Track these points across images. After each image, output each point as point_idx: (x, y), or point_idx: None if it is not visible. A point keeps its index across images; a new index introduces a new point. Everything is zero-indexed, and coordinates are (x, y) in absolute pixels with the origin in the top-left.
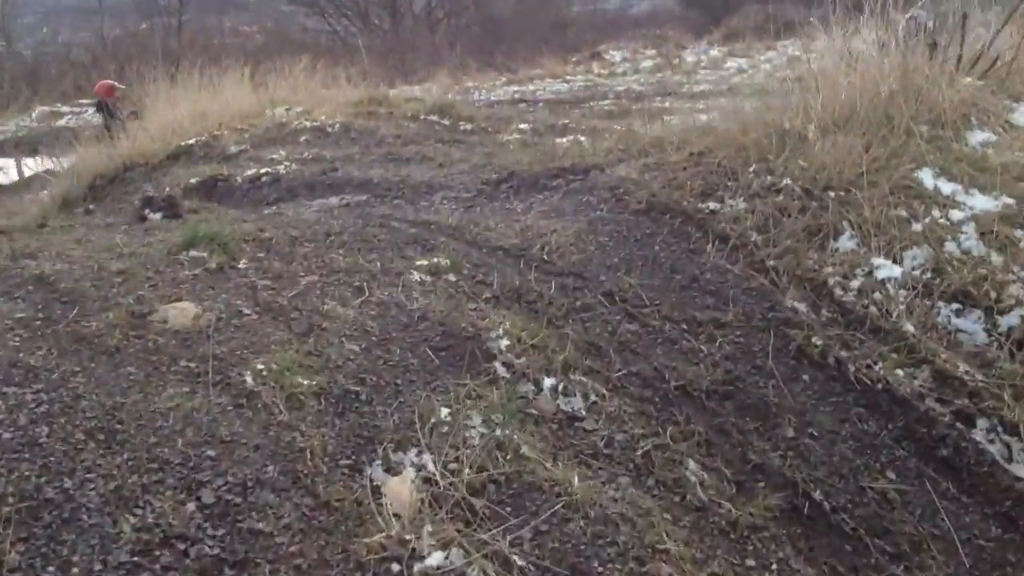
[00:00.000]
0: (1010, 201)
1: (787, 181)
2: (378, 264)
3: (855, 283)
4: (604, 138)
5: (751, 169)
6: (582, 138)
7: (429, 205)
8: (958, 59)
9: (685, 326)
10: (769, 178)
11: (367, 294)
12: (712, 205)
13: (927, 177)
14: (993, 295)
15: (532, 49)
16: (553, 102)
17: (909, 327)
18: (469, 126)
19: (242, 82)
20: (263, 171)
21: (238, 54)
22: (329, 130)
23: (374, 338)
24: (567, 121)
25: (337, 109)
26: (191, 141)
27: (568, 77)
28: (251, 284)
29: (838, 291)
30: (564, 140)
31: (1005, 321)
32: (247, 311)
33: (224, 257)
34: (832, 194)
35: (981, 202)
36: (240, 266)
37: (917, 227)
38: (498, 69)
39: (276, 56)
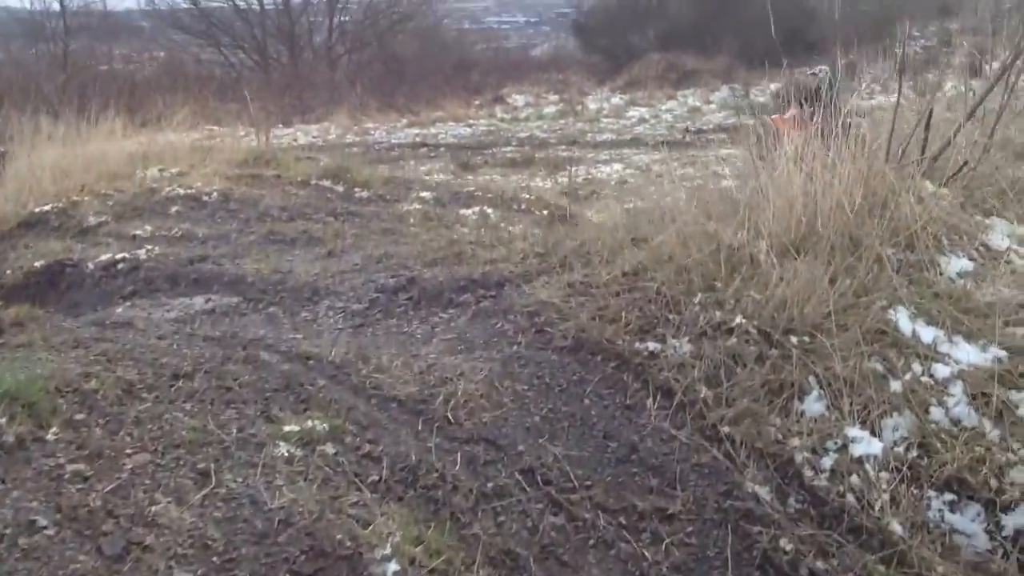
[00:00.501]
0: (1001, 353)
1: (740, 319)
2: (234, 430)
3: (827, 460)
4: (517, 223)
5: (696, 300)
6: (489, 210)
7: (311, 320)
8: (918, 162)
9: (623, 519)
10: (718, 313)
11: (214, 482)
12: (652, 346)
13: (903, 319)
14: (993, 483)
15: (435, 90)
16: (455, 147)
17: (896, 527)
18: (365, 193)
19: (115, 133)
20: (120, 256)
21: (124, 88)
22: (205, 199)
23: (215, 558)
24: (472, 189)
25: (217, 171)
26: (47, 207)
27: (471, 121)
28: (57, 471)
29: (807, 471)
30: (470, 212)
31: (1010, 521)
32: (43, 521)
33: (29, 424)
34: (794, 339)
35: (969, 354)
36: (48, 438)
37: (896, 386)
38: (399, 110)
39: (168, 91)
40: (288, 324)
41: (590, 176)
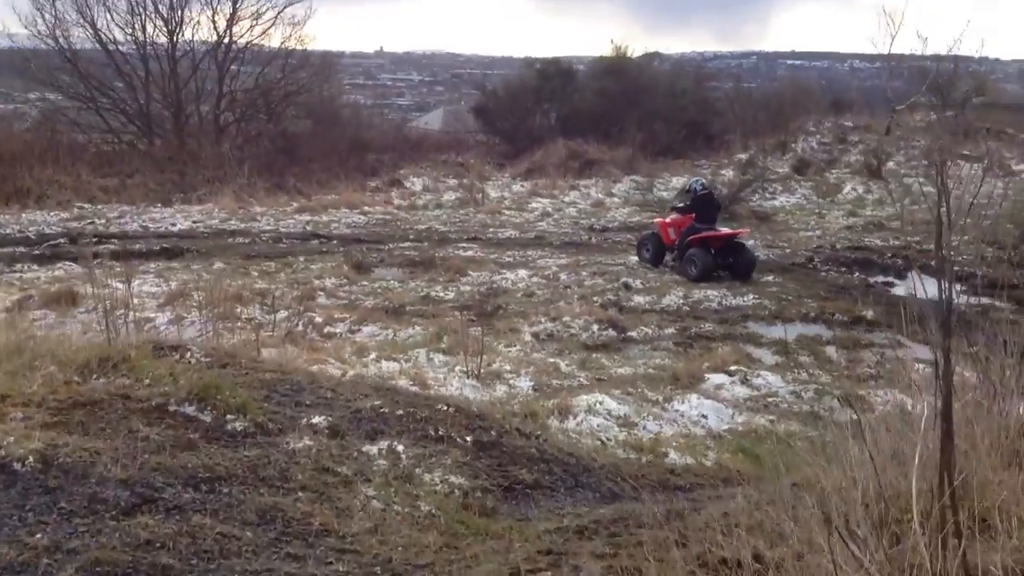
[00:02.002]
0: None
1: None
2: None
3: None
4: (435, 468)
5: None
6: (399, 447)
7: None
8: None
9: None
10: None
11: None
12: None
13: None
14: None
15: (328, 171)
16: (349, 239)
17: None
18: (240, 424)
19: None
20: None
21: None
22: (17, 467)
23: None
24: (379, 403)
25: (46, 392)
26: None
27: (366, 208)
28: None
29: None
30: (376, 450)
31: None
32: None
33: None
34: None
35: None
36: None
37: None
38: (289, 192)
39: (38, 161)
40: None
41: (495, 284)
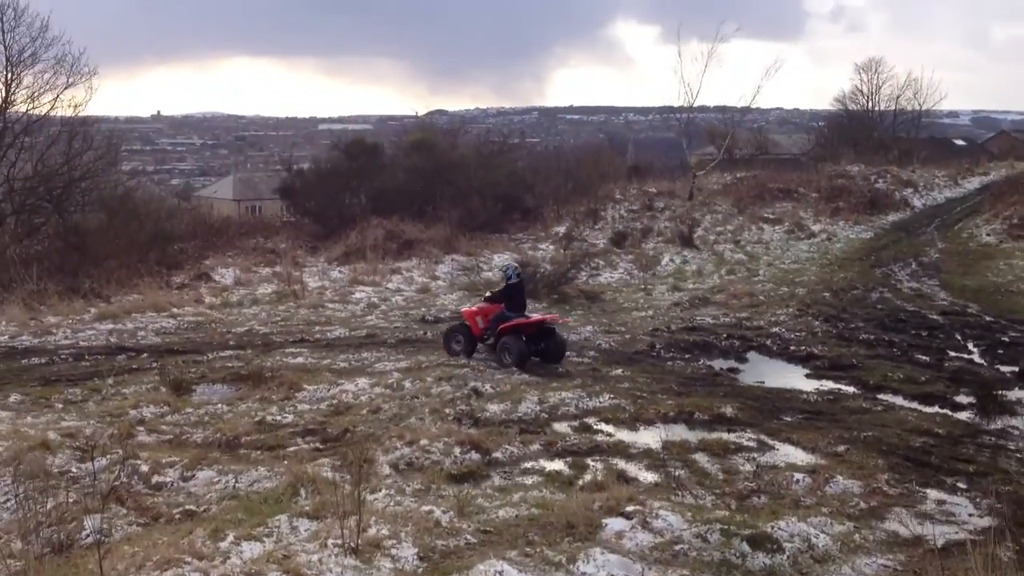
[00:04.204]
0: None
1: None
2: None
3: None
4: None
5: None
6: None
7: None
8: None
9: None
10: None
11: None
12: None
13: None
14: None
15: (127, 268)
16: (162, 350)
17: None
18: None
19: None
20: None
21: None
22: None
23: None
24: None
25: None
26: None
27: (174, 309)
28: None
29: None
30: None
31: None
32: None
33: None
34: None
35: None
36: None
37: None
38: (86, 296)
39: None
40: None
41: (335, 400)
